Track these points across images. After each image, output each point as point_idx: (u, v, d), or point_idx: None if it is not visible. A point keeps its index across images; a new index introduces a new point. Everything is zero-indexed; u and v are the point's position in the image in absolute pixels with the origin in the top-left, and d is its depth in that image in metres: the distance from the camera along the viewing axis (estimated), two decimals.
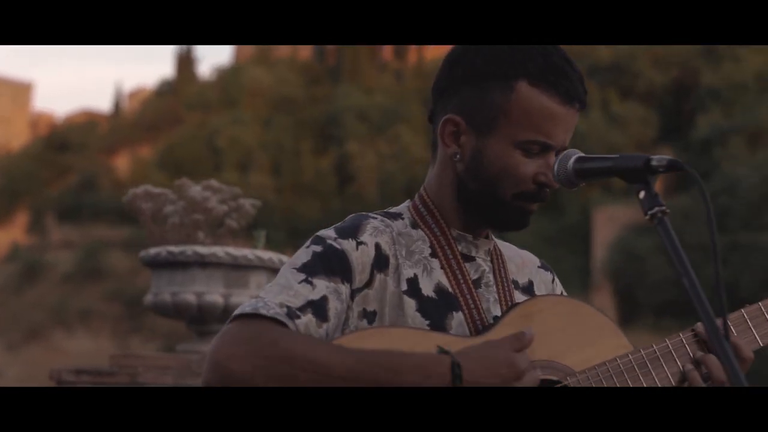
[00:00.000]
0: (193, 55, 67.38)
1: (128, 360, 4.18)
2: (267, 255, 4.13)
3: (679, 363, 1.90)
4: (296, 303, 1.79)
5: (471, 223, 1.97)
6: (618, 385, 1.87)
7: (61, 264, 54.78)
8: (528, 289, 2.06)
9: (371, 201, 40.98)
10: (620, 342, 1.92)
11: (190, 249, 4.07)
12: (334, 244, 1.87)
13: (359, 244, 1.88)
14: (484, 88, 1.89)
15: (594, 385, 1.86)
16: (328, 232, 1.89)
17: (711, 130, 47.74)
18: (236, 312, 1.79)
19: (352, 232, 1.89)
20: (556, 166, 1.89)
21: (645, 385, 1.88)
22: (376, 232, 1.91)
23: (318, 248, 1.86)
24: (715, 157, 45.95)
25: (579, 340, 1.89)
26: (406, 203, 2.01)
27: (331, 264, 1.84)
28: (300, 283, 1.81)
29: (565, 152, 1.90)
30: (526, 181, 1.90)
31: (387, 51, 62.30)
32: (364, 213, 1.96)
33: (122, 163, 62.95)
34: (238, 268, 4.07)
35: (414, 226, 1.96)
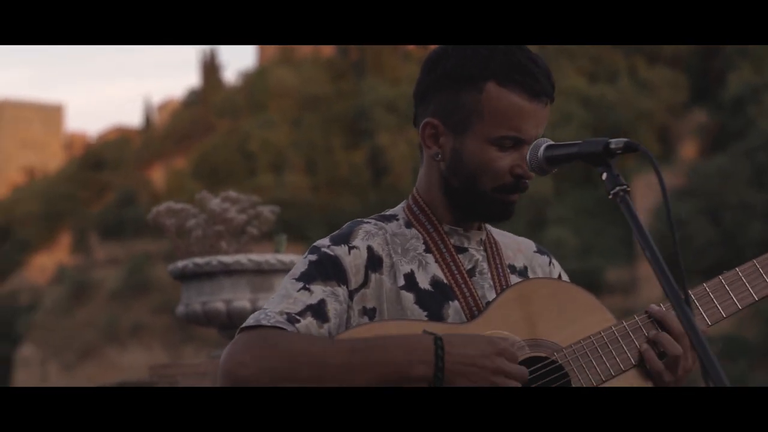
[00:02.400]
0: (218, 61, 67.74)
1: (167, 370, 4.38)
2: (288, 258, 4.29)
3: (658, 330, 2.01)
4: (295, 309, 1.94)
5: (460, 217, 2.09)
6: (603, 356, 1.98)
7: (107, 281, 55.40)
8: (524, 272, 2.16)
9: (407, 190, 40.90)
10: (604, 316, 2.02)
11: (214, 259, 4.25)
12: (328, 251, 2.01)
13: (351, 248, 2.02)
14: (457, 91, 2.02)
15: (579, 358, 1.97)
16: (323, 241, 2.04)
17: (742, 87, 47.29)
18: (242, 325, 1.95)
19: (344, 238, 2.03)
20: (528, 156, 2.01)
21: (628, 354, 1.99)
22: (367, 236, 2.04)
23: (313, 257, 2.01)
24: (749, 114, 45.52)
25: (565, 318, 1.99)
26: (402, 204, 2.14)
27: (326, 270, 1.99)
28: (299, 291, 1.96)
29: (535, 142, 2.01)
30: (503, 174, 2.02)
31: None
32: (359, 219, 2.10)
33: (158, 176, 63.46)
34: (262, 273, 4.24)
35: (408, 225, 2.09)
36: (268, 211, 4.38)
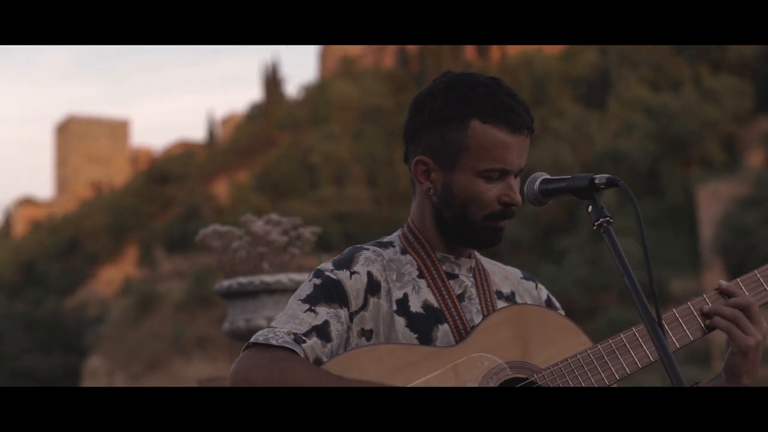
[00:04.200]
0: (279, 75, 68.38)
1: (213, 382, 4.60)
2: None
3: (632, 353, 2.14)
4: (302, 329, 2.10)
5: (452, 245, 2.24)
6: (579, 377, 2.12)
7: (173, 294, 56.15)
8: (510, 297, 2.30)
9: None
10: (580, 340, 2.17)
11: (257, 279, 4.46)
12: (331, 275, 2.17)
13: (353, 273, 2.17)
14: (444, 130, 2.17)
15: (557, 379, 2.12)
16: (327, 266, 2.20)
17: None
18: (251, 340, 2.10)
19: (346, 263, 2.19)
20: (525, 189, 2.17)
21: (602, 375, 2.13)
22: (367, 261, 2.20)
23: (318, 280, 2.17)
24: None
25: (543, 341, 2.15)
26: (397, 232, 2.29)
27: (329, 293, 2.14)
28: (305, 312, 2.12)
29: (532, 176, 2.17)
30: (491, 203, 2.17)
31: (469, 51, 62.31)
32: (358, 245, 2.24)
33: (221, 189, 64.19)
34: None
35: (403, 252, 2.24)
36: (308, 232, 4.58)
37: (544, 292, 2.37)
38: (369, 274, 2.18)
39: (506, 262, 2.41)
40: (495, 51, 61.50)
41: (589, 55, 55.89)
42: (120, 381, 52.22)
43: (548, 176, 2.15)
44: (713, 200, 47.81)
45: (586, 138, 50.49)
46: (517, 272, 2.37)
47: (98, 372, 53.90)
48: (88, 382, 52.55)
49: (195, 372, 50.70)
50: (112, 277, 64.83)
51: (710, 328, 2.19)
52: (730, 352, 2.17)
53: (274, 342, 2.08)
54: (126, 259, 66.83)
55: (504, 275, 2.34)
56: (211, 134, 75.54)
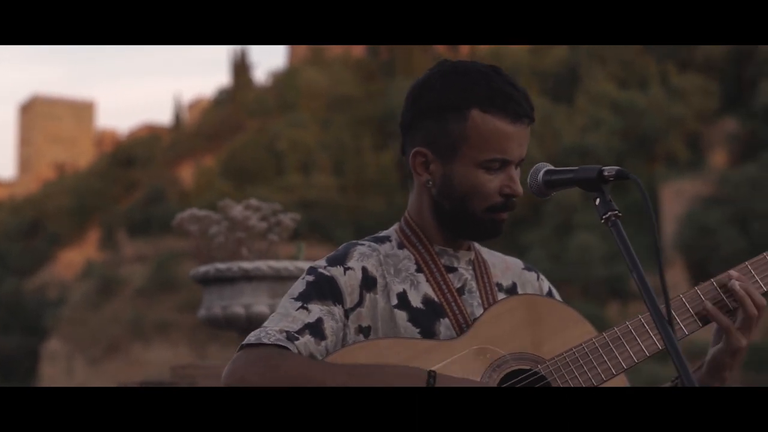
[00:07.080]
0: (248, 61, 68.09)
1: (188, 370, 4.53)
2: (306, 265, 4.42)
3: (639, 341, 2.11)
4: (294, 327, 2.04)
5: (451, 238, 2.18)
6: (584, 367, 2.06)
7: (134, 278, 55.79)
8: (511, 290, 2.24)
9: None
10: (585, 329, 2.12)
11: (235, 265, 4.40)
12: (324, 272, 2.11)
13: (347, 269, 2.11)
14: (443, 120, 2.10)
15: (562, 369, 2.06)
16: (320, 263, 2.14)
17: None
18: (243, 342, 2.04)
19: (340, 259, 2.13)
20: (528, 179, 2.11)
21: (609, 365, 2.07)
22: (362, 257, 2.13)
23: (311, 278, 2.11)
24: None
25: (547, 331, 2.09)
26: (394, 226, 2.22)
27: (323, 290, 2.08)
28: (297, 310, 2.06)
29: (536, 166, 2.11)
30: (493, 195, 2.11)
31: None
32: (353, 241, 2.18)
33: (186, 174, 63.83)
34: (281, 279, 4.39)
35: (400, 246, 2.18)
36: (288, 219, 4.52)
37: (545, 284, 2.31)
38: (364, 270, 2.12)
39: None
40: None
41: (558, 50, 56.09)
42: (79, 364, 51.90)
43: (552, 167, 2.10)
44: (676, 198, 48.19)
45: (553, 132, 50.67)
46: (518, 262, 2.31)
47: (57, 354, 53.50)
48: (47, 364, 52.16)
49: (154, 357, 50.43)
50: (74, 259, 64.33)
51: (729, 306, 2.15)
52: (720, 350, 2.14)
53: (266, 341, 2.02)
54: (88, 241, 66.31)
55: (505, 266, 2.28)
56: (178, 118, 75.05)
